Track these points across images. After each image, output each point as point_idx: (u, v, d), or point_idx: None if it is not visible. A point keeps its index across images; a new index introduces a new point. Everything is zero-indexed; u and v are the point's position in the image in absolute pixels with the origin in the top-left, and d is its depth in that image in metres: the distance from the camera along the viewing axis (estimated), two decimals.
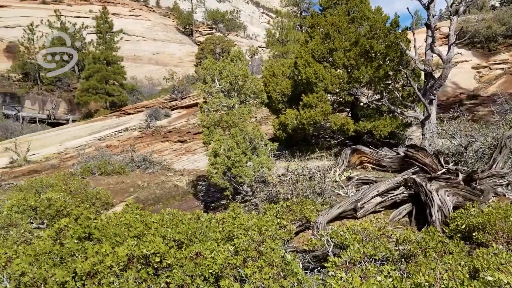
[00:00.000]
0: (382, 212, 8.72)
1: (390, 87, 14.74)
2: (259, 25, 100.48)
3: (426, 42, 12.88)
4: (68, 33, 48.63)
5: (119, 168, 19.38)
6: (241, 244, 5.22)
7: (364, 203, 8.52)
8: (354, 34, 14.72)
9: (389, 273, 3.90)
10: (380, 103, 14.46)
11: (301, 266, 5.36)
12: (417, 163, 10.06)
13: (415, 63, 12.73)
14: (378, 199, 8.71)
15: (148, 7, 78.55)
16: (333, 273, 4.00)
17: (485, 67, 23.10)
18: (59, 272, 4.70)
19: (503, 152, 9.09)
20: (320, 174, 10.53)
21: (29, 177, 19.58)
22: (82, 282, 4.63)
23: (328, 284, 3.73)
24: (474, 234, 6.03)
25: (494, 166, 9.03)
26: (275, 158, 13.83)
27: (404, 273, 4.18)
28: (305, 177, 10.26)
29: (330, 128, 15.06)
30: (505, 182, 8.75)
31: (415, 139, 15.14)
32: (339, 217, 8.38)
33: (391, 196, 8.75)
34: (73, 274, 4.73)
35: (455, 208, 7.42)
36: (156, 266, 4.70)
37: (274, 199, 9.95)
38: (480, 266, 3.99)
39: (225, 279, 4.45)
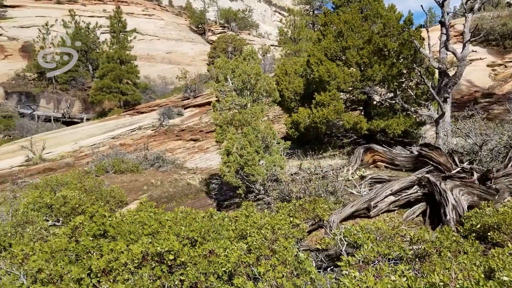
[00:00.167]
0: (396, 211, 8.67)
1: (403, 85, 14.63)
2: (271, 24, 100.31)
3: (440, 39, 12.75)
4: (81, 33, 49.18)
5: (133, 166, 19.55)
6: (254, 243, 5.24)
7: (378, 202, 8.48)
8: (367, 32, 14.63)
9: (403, 272, 3.88)
10: (393, 102, 14.36)
11: (314, 265, 5.36)
12: (431, 162, 9.98)
13: (429, 61, 12.61)
14: (392, 198, 8.66)
15: (161, 6, 78.90)
16: (346, 272, 3.99)
17: (500, 65, 22.75)
18: (74, 269, 4.76)
19: None
20: (333, 173, 10.51)
21: (45, 175, 19.86)
22: (97, 279, 4.68)
23: (342, 283, 3.73)
24: (489, 234, 5.98)
25: (509, 165, 8.93)
26: (287, 157, 13.82)
27: (418, 273, 4.16)
28: (317, 176, 10.25)
29: (343, 126, 15.00)
30: None
31: (429, 138, 15.00)
32: (352, 216, 8.35)
33: (405, 195, 8.70)
34: (89, 271, 4.79)
35: (470, 207, 7.35)
36: (170, 264, 4.74)
37: (287, 197, 9.96)
38: (496, 266, 3.96)
39: (239, 277, 4.47)
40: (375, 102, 15.92)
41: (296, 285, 4.15)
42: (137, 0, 72.79)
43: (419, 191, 8.74)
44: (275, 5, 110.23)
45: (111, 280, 4.61)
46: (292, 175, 12.08)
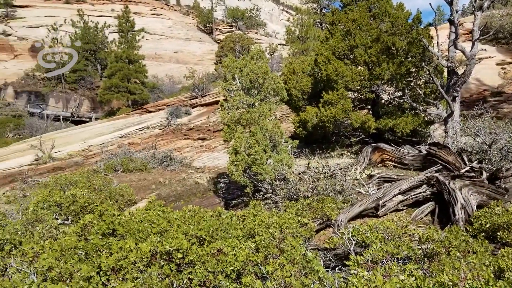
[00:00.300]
0: (404, 210, 8.64)
1: (412, 84, 14.56)
2: (278, 23, 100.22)
3: (449, 38, 12.67)
4: (90, 32, 49.49)
5: (141, 165, 19.63)
6: (262, 242, 5.25)
7: (386, 201, 8.45)
8: (375, 31, 14.58)
9: (411, 272, 3.87)
10: (401, 100, 14.30)
11: (322, 264, 5.36)
12: (440, 161, 9.94)
13: (438, 59, 12.54)
14: (400, 197, 8.64)
15: (168, 5, 79.14)
16: (355, 272, 3.99)
17: (510, 63, 22.53)
18: (84, 267, 4.79)
19: None
20: (340, 172, 10.49)
21: (54, 174, 20.01)
22: (107, 277, 4.71)
23: (351, 282, 3.73)
24: (498, 233, 5.94)
25: None
26: (295, 156, 13.81)
27: (427, 273, 4.15)
28: (325, 175, 10.25)
29: (351, 125, 14.95)
30: None
31: (437, 137, 14.91)
32: (360, 216, 8.34)
33: (413, 195, 8.67)
34: (98, 269, 4.82)
35: (479, 207, 7.31)
36: (178, 262, 4.76)
37: (295, 196, 9.96)
38: (505, 266, 3.93)
39: (247, 276, 4.48)
40: (383, 101, 15.86)
41: (304, 284, 4.15)
42: (145, 0, 73.06)
43: (427, 191, 8.70)
44: (282, 4, 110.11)
45: (120, 279, 4.64)
46: (299, 174, 12.09)
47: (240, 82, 12.98)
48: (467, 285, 3.43)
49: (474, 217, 6.77)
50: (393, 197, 8.60)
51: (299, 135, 16.63)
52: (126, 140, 28.32)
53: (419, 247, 4.95)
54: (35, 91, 48.12)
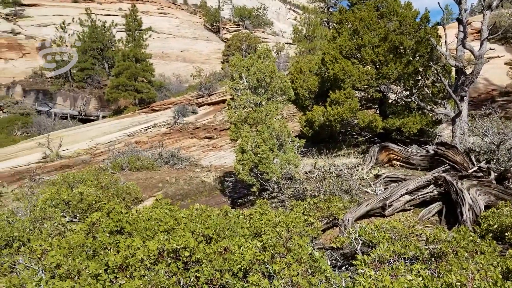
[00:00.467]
0: (411, 210, 8.61)
1: (419, 83, 14.48)
2: (285, 22, 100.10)
3: (457, 37, 12.59)
4: (97, 31, 49.75)
5: (148, 163, 19.72)
6: (269, 240, 5.26)
7: (393, 201, 8.43)
8: (383, 30, 14.52)
9: (418, 272, 3.86)
10: (409, 100, 14.23)
11: (329, 263, 5.36)
12: (447, 161, 9.89)
13: (446, 59, 12.47)
14: (407, 197, 8.60)
15: (176, 4, 79.31)
16: (362, 271, 3.99)
17: None
18: (92, 264, 4.82)
19: None
20: (347, 172, 10.47)
21: (61, 172, 20.14)
22: (114, 274, 4.74)
23: (358, 282, 3.73)
24: (506, 234, 5.91)
25: None
26: (301, 155, 13.80)
27: (435, 273, 4.13)
28: (332, 174, 10.23)
29: (358, 125, 14.91)
30: None
31: (445, 137, 14.83)
32: (367, 215, 8.32)
33: (421, 195, 8.63)
34: (106, 267, 4.85)
35: (487, 207, 7.27)
36: (185, 261, 4.79)
37: (301, 196, 9.95)
38: None
39: (254, 275, 4.49)
40: (390, 101, 15.80)
41: (311, 284, 4.15)
42: None
43: (435, 191, 8.66)
44: (289, 3, 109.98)
45: (128, 276, 4.68)
46: (306, 173, 12.08)
47: (247, 81, 12.98)
48: (475, 286, 3.42)
49: (482, 217, 6.73)
50: (400, 197, 8.57)
51: (305, 134, 16.61)
52: (133, 139, 28.44)
53: (427, 247, 4.93)
54: (43, 90, 48.47)
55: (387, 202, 8.35)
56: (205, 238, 5.37)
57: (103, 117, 45.53)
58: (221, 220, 6.09)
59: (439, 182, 8.67)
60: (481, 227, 6.50)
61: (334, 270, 5.57)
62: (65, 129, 37.55)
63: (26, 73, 49.47)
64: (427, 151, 11.72)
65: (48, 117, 44.43)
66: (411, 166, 11.59)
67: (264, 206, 7.32)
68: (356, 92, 15.24)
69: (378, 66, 14.64)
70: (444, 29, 12.42)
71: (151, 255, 4.75)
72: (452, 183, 8.04)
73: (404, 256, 4.67)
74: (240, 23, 74.50)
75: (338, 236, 6.63)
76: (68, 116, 46.55)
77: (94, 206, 10.51)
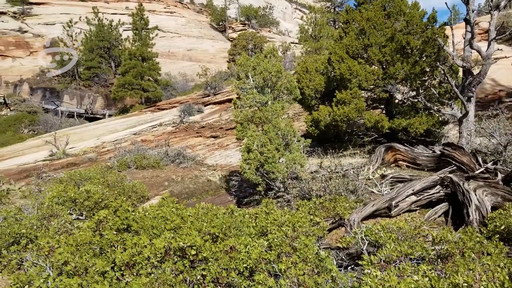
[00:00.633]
0: (417, 211, 8.58)
1: (426, 83, 14.43)
2: (291, 21, 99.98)
3: (464, 37, 12.54)
4: (104, 30, 49.95)
5: (154, 162, 19.78)
6: (275, 240, 5.27)
7: (399, 201, 8.41)
8: (390, 30, 14.49)
9: (425, 272, 3.86)
10: (416, 100, 14.19)
11: (334, 263, 5.36)
12: (454, 162, 9.85)
13: (453, 59, 12.42)
14: (413, 198, 8.58)
15: (182, 3, 79.45)
16: (368, 271, 3.99)
17: None
18: (99, 262, 4.85)
19: None
20: (353, 172, 10.46)
21: (68, 169, 20.26)
22: (121, 272, 4.77)
23: (364, 282, 3.73)
24: None
25: None
26: (307, 155, 13.80)
27: (441, 273, 4.13)
28: (338, 174, 10.21)
29: (364, 125, 14.89)
30: None
31: (452, 137, 14.78)
32: (372, 215, 8.30)
33: (427, 195, 8.60)
34: (112, 264, 4.88)
35: (494, 208, 7.24)
36: (192, 259, 4.81)
37: (307, 195, 9.95)
38: None
39: (260, 274, 4.51)
40: (397, 101, 15.76)
41: (317, 283, 4.16)
42: None
43: (441, 191, 8.62)
44: (295, 2, 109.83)
45: (135, 274, 4.71)
46: (312, 173, 12.07)
47: (253, 81, 13.00)
48: (482, 287, 3.41)
49: (488, 218, 6.70)
50: (406, 197, 8.55)
51: (311, 134, 16.61)
52: (139, 137, 28.54)
53: (433, 248, 4.92)
54: (50, 88, 48.75)
55: (393, 202, 8.33)
56: (211, 236, 5.39)
57: (110, 115, 45.70)
58: (227, 219, 6.11)
59: (446, 183, 8.64)
60: (488, 228, 6.47)
61: (340, 270, 5.58)
62: (72, 127, 37.75)
63: (33, 71, 49.76)
64: (434, 151, 11.68)
65: (55, 115, 44.68)
66: (418, 167, 11.56)
67: (270, 205, 7.33)
68: (363, 92, 15.22)
69: (384, 66, 14.61)
70: (452, 29, 12.37)
71: (157, 253, 4.78)
72: (458, 184, 8.01)
73: (411, 257, 4.67)
74: (246, 22, 74.50)
75: (344, 236, 6.63)
76: (75, 114, 46.79)
77: (101, 204, 10.58)
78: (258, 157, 11.67)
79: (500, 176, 8.63)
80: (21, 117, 42.14)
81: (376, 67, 14.87)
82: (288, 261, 4.57)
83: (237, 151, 20.92)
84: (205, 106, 34.84)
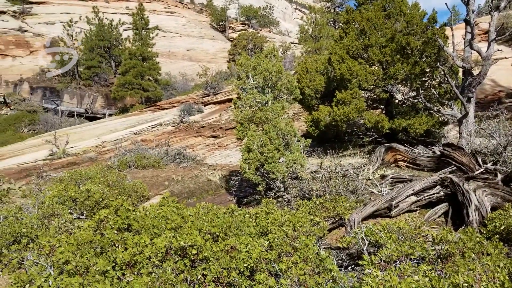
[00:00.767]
0: (417, 211, 8.60)
1: (426, 84, 14.45)
2: (291, 21, 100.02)
3: (464, 38, 12.55)
4: (104, 29, 49.96)
5: (154, 162, 19.80)
6: (276, 239, 5.28)
7: (399, 202, 8.42)
8: (390, 30, 14.50)
9: (425, 272, 3.88)
10: (416, 101, 14.21)
11: (335, 263, 5.38)
12: (453, 162, 9.87)
13: (453, 59, 12.43)
14: (413, 198, 8.59)
15: (182, 3, 79.44)
16: (369, 271, 4.00)
17: None
18: (100, 261, 4.86)
19: None
20: (353, 172, 10.47)
21: (68, 169, 20.28)
22: (122, 271, 4.78)
23: (365, 282, 3.75)
24: None
25: None
26: (307, 155, 13.81)
27: (442, 273, 4.14)
28: (338, 175, 10.23)
29: (364, 125, 14.91)
30: None
31: (451, 138, 14.80)
32: (372, 216, 8.32)
33: (427, 196, 8.61)
34: (113, 264, 4.89)
35: (493, 209, 7.25)
36: (193, 258, 4.82)
37: (307, 195, 9.96)
38: None
39: (260, 273, 4.52)
40: (397, 101, 15.78)
41: (318, 283, 4.18)
42: None
43: (441, 192, 8.64)
44: (295, 3, 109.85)
45: (135, 273, 4.71)
46: (312, 173, 12.08)
47: (253, 81, 13.01)
48: (482, 287, 3.43)
49: (488, 219, 6.71)
50: (406, 197, 8.56)
51: (311, 134, 16.62)
52: (139, 137, 28.56)
53: (433, 248, 4.94)
54: (50, 87, 48.75)
55: (393, 202, 8.35)
56: (212, 236, 5.40)
57: (110, 115, 45.71)
58: (228, 218, 6.12)
59: (446, 183, 8.66)
60: (488, 228, 6.49)
61: (340, 270, 5.59)
62: (72, 126, 37.75)
63: (34, 71, 49.76)
64: (434, 152, 11.69)
65: (55, 114, 44.67)
66: (417, 167, 11.58)
67: (270, 205, 7.34)
68: (363, 92, 15.24)
69: (385, 67, 14.62)
70: (452, 30, 12.39)
71: (158, 252, 4.79)
72: (458, 184, 8.02)
73: (411, 257, 4.68)
74: (246, 22, 74.51)
75: (344, 236, 6.64)
76: (75, 113, 46.79)
77: (101, 203, 10.59)
78: (258, 157, 11.68)
79: (499, 176, 8.64)
80: (21, 117, 42.14)
81: (376, 68, 14.89)
82: (289, 261, 4.58)
83: (237, 151, 20.94)
84: (205, 106, 34.86)
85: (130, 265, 4.81)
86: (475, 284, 3.42)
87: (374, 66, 14.97)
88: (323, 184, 9.83)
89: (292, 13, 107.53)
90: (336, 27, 44.57)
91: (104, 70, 50.71)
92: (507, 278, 3.44)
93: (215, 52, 62.49)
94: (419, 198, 8.60)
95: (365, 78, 14.27)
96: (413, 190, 8.61)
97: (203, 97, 37.45)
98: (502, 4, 11.85)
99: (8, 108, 45.08)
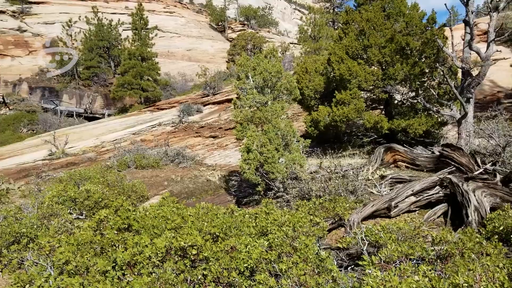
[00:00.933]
0: (417, 211, 8.62)
1: (425, 84, 14.48)
2: (291, 21, 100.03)
3: (463, 39, 12.57)
4: (104, 29, 49.92)
5: (154, 162, 19.80)
6: (276, 240, 5.29)
7: (398, 202, 8.44)
8: (389, 31, 14.52)
9: (425, 273, 3.89)
10: (415, 101, 14.23)
11: (335, 263, 5.39)
12: (453, 163, 9.88)
13: (452, 60, 12.46)
14: (413, 198, 8.61)
15: (182, 3, 79.37)
16: (370, 271, 4.02)
17: None
18: (100, 261, 4.87)
19: None
20: (353, 172, 10.49)
21: (67, 169, 20.26)
22: (122, 271, 4.78)
23: (365, 282, 3.76)
24: None
25: None
26: (306, 155, 13.82)
27: (441, 274, 4.16)
28: (337, 175, 10.24)
29: (363, 125, 14.93)
30: None
31: (450, 138, 14.82)
32: (372, 216, 8.34)
33: (426, 196, 8.64)
34: (114, 264, 4.89)
35: (493, 209, 7.27)
36: (193, 258, 4.82)
37: (306, 196, 9.97)
38: None
39: (260, 274, 4.53)
40: (396, 101, 15.80)
41: (318, 283, 4.19)
42: None
43: (440, 192, 8.66)
44: (295, 3, 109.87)
45: (136, 273, 4.72)
46: (311, 173, 12.09)
47: (253, 81, 13.02)
48: (482, 287, 3.44)
49: (487, 219, 6.73)
50: (405, 198, 8.58)
51: (310, 134, 16.63)
52: (139, 137, 28.55)
53: (433, 248, 4.95)
54: (49, 87, 48.65)
55: (393, 203, 8.37)
56: (212, 236, 5.40)
57: (109, 115, 45.65)
58: (228, 218, 6.13)
59: (445, 184, 8.68)
60: (487, 229, 6.51)
61: (340, 270, 5.60)
62: (71, 126, 37.68)
63: (33, 71, 49.66)
64: (433, 152, 11.72)
65: (54, 114, 44.56)
66: (417, 168, 11.60)
67: (269, 205, 7.35)
68: (362, 92, 15.25)
69: (384, 67, 14.64)
70: (451, 30, 12.42)
71: (158, 252, 4.79)
72: (457, 185, 8.04)
73: (411, 257, 4.70)
74: (246, 22, 74.44)
75: (343, 236, 6.65)
76: (74, 113, 46.70)
77: (101, 203, 10.59)
78: (257, 157, 11.69)
79: (498, 177, 8.67)
80: (20, 116, 42.07)
81: (375, 68, 14.91)
82: (289, 261, 4.59)
83: (236, 151, 20.95)
84: (204, 106, 34.84)
85: (130, 265, 4.82)
86: (475, 284, 3.44)
87: (373, 67, 14.99)
88: (322, 185, 9.84)
89: (291, 14, 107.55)
90: (335, 27, 44.60)
91: (103, 70, 50.64)
92: (506, 278, 3.45)
93: (214, 52, 62.46)
94: (418, 199, 8.62)
95: (364, 78, 14.29)
96: (412, 191, 8.63)
97: (202, 97, 37.44)
98: (501, 5, 11.87)
99: (7, 108, 44.99)
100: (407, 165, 11.94)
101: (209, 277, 4.58)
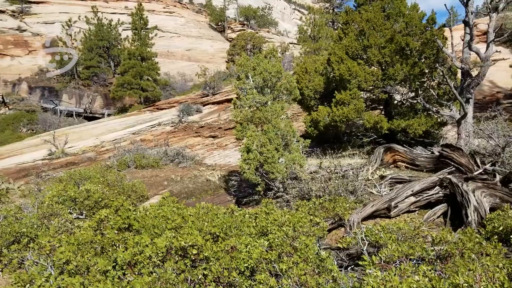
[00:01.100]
0: (417, 212, 8.63)
1: (425, 85, 14.50)
2: (290, 22, 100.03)
3: (463, 39, 12.59)
4: (104, 29, 49.91)
5: (153, 162, 19.81)
6: (276, 240, 5.29)
7: (398, 202, 8.45)
8: (389, 31, 14.54)
9: (425, 273, 3.90)
10: (415, 101, 14.25)
11: (335, 263, 5.40)
12: (452, 163, 9.90)
13: (452, 60, 12.48)
14: (412, 198, 8.63)
15: (181, 3, 79.35)
16: (370, 271, 4.03)
17: None
18: (100, 261, 4.88)
19: None
20: (352, 172, 10.50)
21: (67, 169, 20.26)
22: (123, 271, 4.79)
23: (366, 282, 3.77)
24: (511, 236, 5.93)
25: None
26: (306, 155, 13.83)
27: (441, 274, 4.17)
28: (337, 175, 10.25)
29: (363, 125, 14.94)
30: None
31: (450, 139, 14.84)
32: (372, 216, 8.35)
33: (426, 196, 8.65)
34: (114, 264, 4.90)
35: (492, 209, 7.29)
36: (193, 258, 4.83)
37: (306, 196, 9.98)
38: None
39: (261, 273, 4.54)
40: (396, 102, 15.81)
41: (318, 283, 4.19)
42: None
43: (440, 192, 8.67)
44: (294, 3, 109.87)
45: (136, 273, 4.73)
46: (311, 173, 12.11)
47: (253, 81, 13.03)
48: (482, 287, 3.45)
49: (487, 219, 6.75)
50: (405, 198, 8.59)
51: (310, 134, 16.65)
52: (138, 137, 28.55)
53: (432, 248, 4.96)
54: (49, 87, 48.63)
55: (393, 203, 8.38)
56: (212, 236, 5.41)
57: (109, 115, 45.64)
58: (228, 218, 6.14)
59: (445, 184, 8.69)
60: (486, 229, 6.52)
61: (340, 270, 5.61)
62: (71, 126, 37.66)
63: (32, 70, 49.65)
64: (432, 152, 11.73)
65: (54, 114, 44.55)
66: (416, 168, 11.61)
67: (269, 205, 7.36)
68: (362, 92, 15.27)
69: (384, 67, 14.66)
70: (451, 31, 12.44)
71: (159, 252, 4.80)
72: (457, 185, 8.06)
73: (411, 257, 4.71)
74: (245, 22, 74.43)
75: (343, 236, 6.66)
76: (74, 113, 46.68)
77: (101, 203, 10.59)
78: (257, 157, 11.70)
79: (498, 177, 8.68)
80: (20, 116, 42.05)
81: (375, 68, 14.92)
82: (289, 261, 4.60)
83: (236, 151, 20.96)
84: (203, 106, 34.84)
85: (131, 265, 4.83)
86: (475, 284, 3.45)
87: (373, 67, 15.01)
88: (322, 185, 9.85)
89: (291, 14, 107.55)
90: (335, 27, 44.61)
91: (103, 70, 50.62)
92: (506, 278, 3.46)
93: (214, 52, 62.45)
94: (418, 199, 8.64)
95: (364, 78, 14.31)
96: (412, 191, 8.65)
97: (202, 97, 37.44)
98: (501, 6, 11.89)
99: (7, 108, 44.97)
100: (406, 165, 11.96)
101: (210, 277, 4.58)
